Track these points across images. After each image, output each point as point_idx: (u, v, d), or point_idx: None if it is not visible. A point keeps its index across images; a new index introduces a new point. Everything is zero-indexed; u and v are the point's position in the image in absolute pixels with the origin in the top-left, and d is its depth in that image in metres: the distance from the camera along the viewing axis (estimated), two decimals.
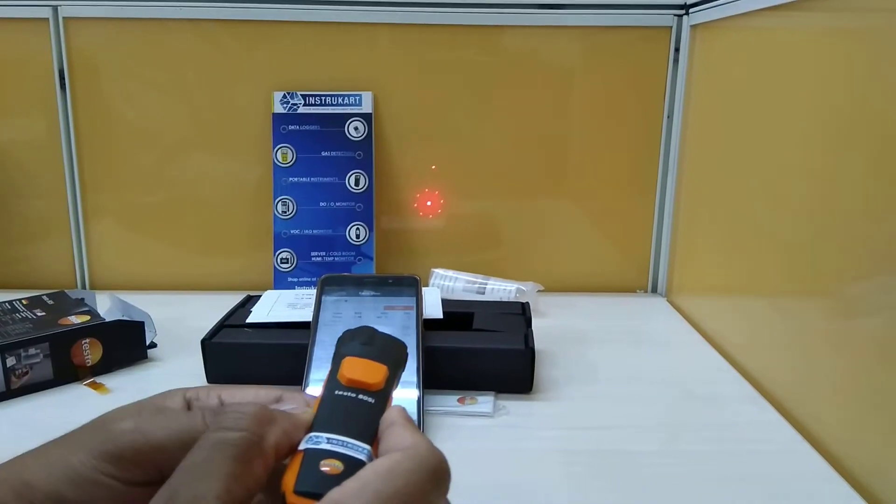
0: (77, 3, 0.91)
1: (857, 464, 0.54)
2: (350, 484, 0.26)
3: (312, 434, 0.30)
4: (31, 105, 0.94)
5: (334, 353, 0.35)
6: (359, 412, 0.31)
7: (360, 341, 0.35)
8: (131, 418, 0.31)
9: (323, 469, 0.28)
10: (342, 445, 0.29)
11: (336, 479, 0.27)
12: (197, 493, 0.25)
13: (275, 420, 0.30)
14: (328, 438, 0.29)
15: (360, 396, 0.32)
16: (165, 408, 0.32)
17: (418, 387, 0.59)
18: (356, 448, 0.29)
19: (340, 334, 0.36)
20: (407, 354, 0.36)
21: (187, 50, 0.93)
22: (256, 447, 0.28)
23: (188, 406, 0.33)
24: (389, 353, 0.35)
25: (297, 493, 0.27)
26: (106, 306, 0.75)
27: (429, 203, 0.98)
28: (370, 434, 0.30)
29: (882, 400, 0.51)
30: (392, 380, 0.34)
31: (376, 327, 0.36)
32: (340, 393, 0.32)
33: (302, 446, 0.29)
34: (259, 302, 0.76)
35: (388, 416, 0.31)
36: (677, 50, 0.92)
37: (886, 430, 0.51)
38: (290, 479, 0.28)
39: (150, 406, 0.32)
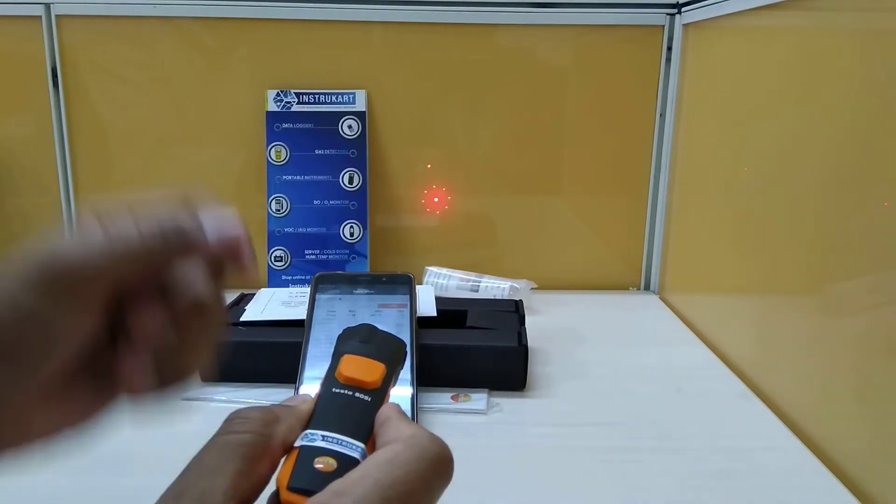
0: (69, 0, 0.90)
1: (845, 459, 0.55)
2: (351, 475, 0.27)
3: (308, 431, 0.30)
4: (23, 103, 0.94)
5: (334, 351, 0.35)
6: (355, 410, 0.32)
7: (359, 339, 0.35)
8: (47, 244, 0.27)
9: (317, 466, 0.28)
10: (337, 443, 0.30)
11: (329, 477, 0.27)
12: (205, 489, 0.26)
13: (279, 419, 0.30)
14: (323, 436, 0.30)
15: (357, 394, 0.32)
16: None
17: (412, 384, 0.59)
18: (350, 446, 0.30)
19: (340, 332, 0.37)
20: (406, 353, 0.37)
21: (181, 48, 0.92)
22: (263, 446, 0.29)
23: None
24: (388, 351, 0.35)
25: (291, 489, 0.28)
26: None
27: (436, 199, 0.98)
28: (365, 432, 0.31)
29: (870, 396, 0.52)
30: (389, 378, 0.34)
31: (376, 326, 0.37)
32: (337, 390, 0.32)
33: (297, 443, 0.30)
34: (253, 300, 0.76)
35: (383, 412, 0.31)
36: (670, 49, 0.92)
37: (874, 425, 0.52)
38: (284, 476, 0.28)
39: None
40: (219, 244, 0.29)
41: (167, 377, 0.29)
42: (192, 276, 0.28)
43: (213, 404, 0.63)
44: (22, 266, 0.27)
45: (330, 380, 0.33)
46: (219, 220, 0.29)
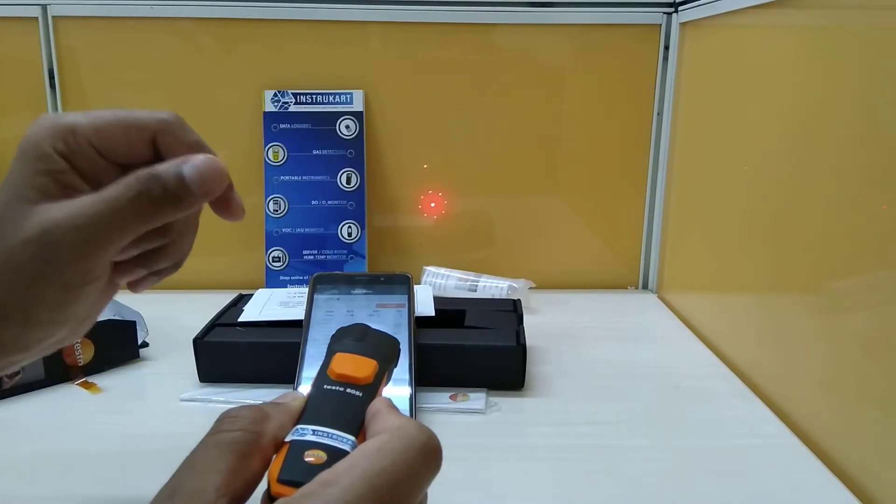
0: (66, 2, 0.90)
1: (843, 457, 0.55)
2: (339, 465, 0.27)
3: (299, 426, 0.30)
4: (20, 104, 0.94)
5: (327, 350, 0.35)
6: (346, 405, 0.32)
7: (352, 338, 0.35)
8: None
9: (307, 459, 0.29)
10: (327, 437, 0.30)
11: (319, 469, 0.27)
12: (197, 488, 0.26)
13: (270, 416, 0.30)
14: (314, 430, 0.30)
15: (348, 390, 0.32)
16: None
17: (410, 384, 0.59)
18: (341, 439, 0.30)
19: (334, 332, 0.37)
20: (399, 350, 0.37)
21: (178, 49, 0.92)
22: (254, 443, 0.29)
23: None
24: (380, 348, 0.35)
25: (280, 481, 0.28)
26: None
27: (433, 200, 0.98)
28: (356, 426, 0.31)
29: (867, 393, 0.52)
30: (381, 375, 0.34)
31: (369, 325, 0.37)
32: (329, 387, 0.33)
33: (288, 438, 0.30)
34: (251, 300, 0.76)
35: (374, 405, 0.32)
36: (667, 48, 0.92)
37: (872, 423, 0.52)
38: (275, 469, 0.29)
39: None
40: (205, 197, 0.35)
41: (160, 272, 0.40)
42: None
43: (210, 405, 0.63)
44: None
45: (322, 377, 0.33)
46: (203, 172, 0.35)
